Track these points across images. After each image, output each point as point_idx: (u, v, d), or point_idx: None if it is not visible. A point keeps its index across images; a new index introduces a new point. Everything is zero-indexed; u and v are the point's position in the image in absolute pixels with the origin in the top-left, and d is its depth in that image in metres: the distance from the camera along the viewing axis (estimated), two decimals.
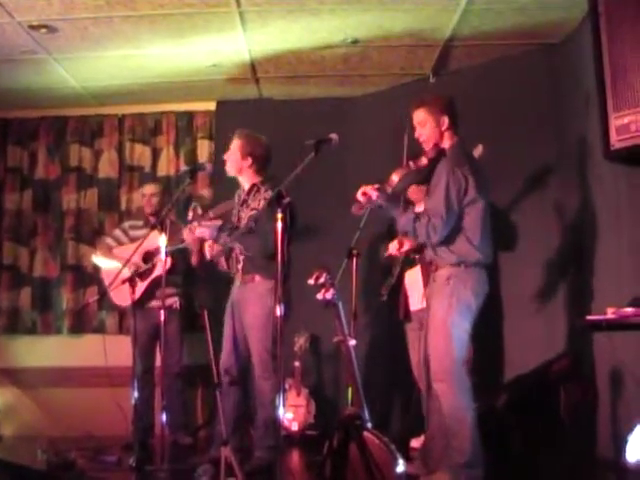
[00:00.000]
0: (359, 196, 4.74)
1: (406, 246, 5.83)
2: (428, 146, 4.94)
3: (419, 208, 5.33)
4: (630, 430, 4.42)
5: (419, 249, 5.69)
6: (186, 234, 5.79)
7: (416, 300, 5.83)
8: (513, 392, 5.60)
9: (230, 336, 5.55)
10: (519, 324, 6.29)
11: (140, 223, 7.04)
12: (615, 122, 4.85)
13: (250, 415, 5.59)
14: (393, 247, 5.90)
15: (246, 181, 5.68)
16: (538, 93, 6.44)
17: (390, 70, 7.09)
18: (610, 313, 4.48)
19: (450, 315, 4.65)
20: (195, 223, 5.47)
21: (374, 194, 4.71)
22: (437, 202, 4.70)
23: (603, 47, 4.92)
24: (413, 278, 5.90)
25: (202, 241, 5.64)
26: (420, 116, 4.94)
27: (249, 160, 5.61)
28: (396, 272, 6.00)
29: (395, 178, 5.08)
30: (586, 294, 5.66)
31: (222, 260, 5.63)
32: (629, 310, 4.44)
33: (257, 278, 5.47)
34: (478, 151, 5.28)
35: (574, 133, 6.04)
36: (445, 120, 4.88)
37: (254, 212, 5.47)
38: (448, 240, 4.73)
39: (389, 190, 4.86)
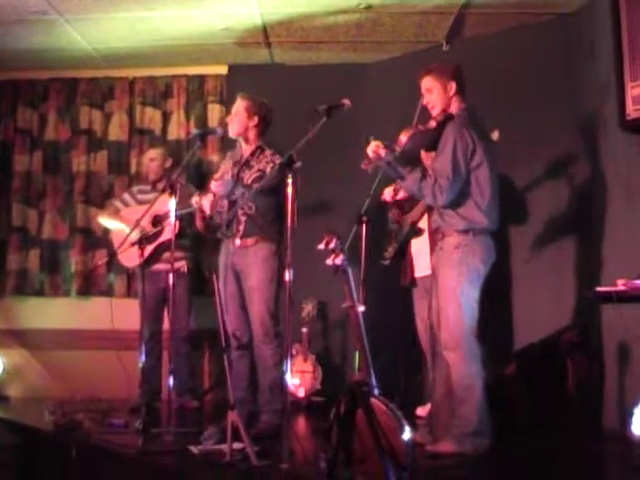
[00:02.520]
0: (369, 152, 4.74)
1: (401, 194, 5.81)
2: (436, 111, 4.94)
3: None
4: (636, 403, 4.43)
5: (411, 201, 5.71)
6: (195, 200, 5.77)
7: (422, 267, 5.82)
8: (521, 362, 5.59)
9: (235, 300, 5.53)
10: (529, 295, 6.29)
11: (149, 187, 7.04)
12: (632, 92, 4.85)
13: (254, 379, 5.61)
14: (388, 193, 5.87)
15: (249, 142, 5.65)
16: (551, 63, 6.39)
17: (403, 37, 7.03)
18: (620, 285, 4.47)
19: (460, 284, 4.65)
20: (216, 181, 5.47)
21: (382, 152, 4.70)
22: (444, 163, 4.69)
23: (621, 16, 4.90)
24: (420, 246, 5.88)
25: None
26: (428, 83, 4.95)
27: (255, 120, 5.60)
28: (399, 238, 5.98)
29: (403, 138, 5.10)
30: (596, 266, 5.65)
31: (219, 217, 5.59)
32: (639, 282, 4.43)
33: (259, 240, 5.47)
34: (495, 136, 5.23)
35: (587, 103, 6.00)
36: (452, 85, 4.89)
37: (259, 173, 5.47)
38: (456, 204, 4.73)
39: (398, 150, 4.87)
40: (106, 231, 7.24)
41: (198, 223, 6.29)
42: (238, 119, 5.62)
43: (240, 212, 5.43)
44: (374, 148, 4.73)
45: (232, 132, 5.68)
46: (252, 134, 5.63)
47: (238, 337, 5.50)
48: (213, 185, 5.44)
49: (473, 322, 4.70)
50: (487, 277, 4.77)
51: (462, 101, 4.91)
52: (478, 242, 4.73)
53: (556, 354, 5.58)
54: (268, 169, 5.43)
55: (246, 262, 5.47)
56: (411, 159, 4.98)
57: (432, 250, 5.42)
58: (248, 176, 5.52)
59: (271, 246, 5.47)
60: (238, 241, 5.48)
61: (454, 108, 4.90)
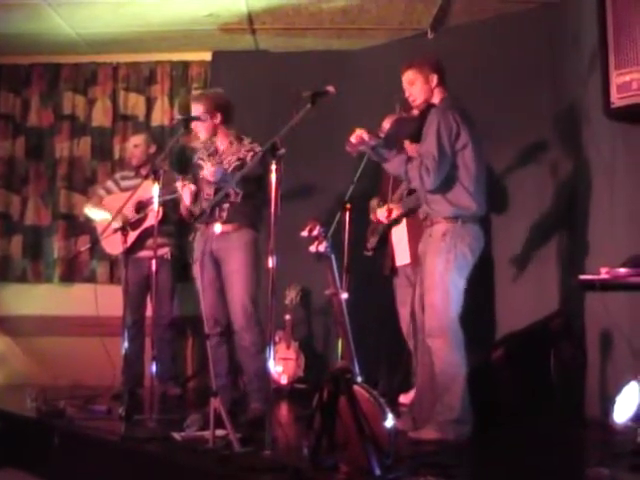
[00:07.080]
0: (352, 138, 4.74)
1: (394, 214, 5.84)
2: (418, 103, 4.96)
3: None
4: (618, 391, 4.44)
5: (407, 214, 5.72)
6: (180, 186, 5.75)
7: (402, 256, 5.84)
8: (504, 350, 5.60)
9: (214, 286, 5.51)
10: (512, 283, 6.29)
11: (132, 174, 7.01)
12: (616, 80, 4.85)
13: (236, 366, 5.61)
14: (382, 215, 5.89)
15: (222, 138, 5.63)
16: (537, 52, 6.38)
17: (388, 24, 7.02)
18: (604, 273, 4.48)
19: (448, 271, 4.66)
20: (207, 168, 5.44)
21: (366, 136, 4.70)
22: (429, 145, 4.70)
23: (607, 4, 4.90)
24: (399, 235, 5.90)
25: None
26: (409, 76, 4.95)
27: (219, 116, 5.56)
28: (379, 228, 5.99)
29: (386, 125, 5.08)
30: (580, 254, 5.65)
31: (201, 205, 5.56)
32: (622, 270, 4.44)
33: (240, 227, 5.45)
34: None
35: (572, 92, 5.99)
36: (434, 77, 4.90)
37: (239, 162, 5.43)
38: (444, 189, 4.73)
39: (381, 135, 4.88)
40: (90, 219, 7.20)
41: (183, 209, 6.27)
42: (202, 124, 5.56)
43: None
44: (358, 134, 4.73)
45: (202, 138, 5.65)
46: (222, 130, 5.60)
47: (220, 323, 5.50)
48: (206, 170, 5.39)
49: (459, 310, 4.71)
50: (475, 265, 4.79)
51: (444, 91, 4.93)
52: (466, 229, 4.74)
53: (539, 341, 5.59)
54: (248, 157, 5.40)
55: (227, 247, 5.44)
56: (394, 145, 4.99)
57: (411, 239, 5.47)
58: (228, 165, 5.50)
59: (252, 233, 5.46)
60: (219, 227, 5.44)
61: (436, 99, 4.92)
